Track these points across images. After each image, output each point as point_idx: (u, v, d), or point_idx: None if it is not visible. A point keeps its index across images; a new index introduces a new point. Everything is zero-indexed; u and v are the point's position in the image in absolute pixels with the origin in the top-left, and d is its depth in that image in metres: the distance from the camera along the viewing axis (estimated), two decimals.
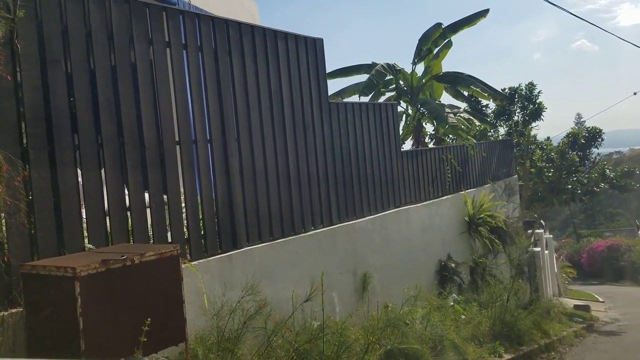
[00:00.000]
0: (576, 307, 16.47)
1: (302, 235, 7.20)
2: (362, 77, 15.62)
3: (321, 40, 7.92)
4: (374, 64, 15.31)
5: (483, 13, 14.26)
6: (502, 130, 16.77)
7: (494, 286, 9.53)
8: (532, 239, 18.93)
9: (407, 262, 9.52)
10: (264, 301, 5.73)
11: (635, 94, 21.66)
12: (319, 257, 7.37)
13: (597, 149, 15.73)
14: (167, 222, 5.41)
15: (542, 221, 24.31)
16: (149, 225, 5.21)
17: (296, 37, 7.43)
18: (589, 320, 14.02)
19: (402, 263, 9.37)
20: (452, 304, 9.46)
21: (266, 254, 6.55)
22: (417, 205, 10.21)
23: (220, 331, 5.24)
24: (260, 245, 6.54)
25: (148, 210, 5.22)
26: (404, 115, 16.29)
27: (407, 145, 14.90)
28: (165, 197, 5.40)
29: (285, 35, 7.25)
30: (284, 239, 6.87)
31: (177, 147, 5.58)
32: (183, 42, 5.76)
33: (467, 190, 12.31)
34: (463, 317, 9.26)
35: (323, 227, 7.64)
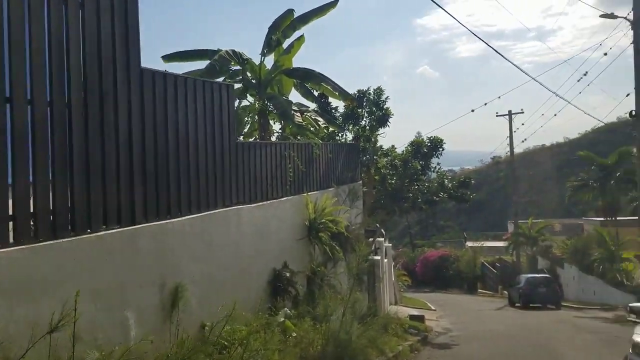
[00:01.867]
0: (411, 317, 16.42)
1: (84, 237, 5.40)
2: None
3: None
4: (220, 51, 13.77)
5: (333, 4, 13.54)
6: (350, 135, 16.31)
7: (329, 298, 8.50)
8: (373, 247, 18.81)
9: (235, 271, 8.10)
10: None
11: (473, 111, 23.06)
12: (109, 265, 5.61)
13: (438, 158, 15.94)
14: None
15: (382, 230, 24.72)
16: None
17: None
18: (423, 332, 13.87)
19: (229, 273, 7.93)
20: (282, 319, 8.24)
21: (25, 261, 4.68)
22: (252, 205, 8.86)
23: None
24: (15, 248, 4.64)
25: None
26: (250, 110, 14.99)
27: None
28: None
29: None
30: (54, 242, 5.02)
31: None
32: None
33: (310, 193, 11.30)
34: (294, 335, 8.08)
35: (119, 227, 5.90)
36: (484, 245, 52.90)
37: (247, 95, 14.94)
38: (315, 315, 8.99)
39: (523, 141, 36.19)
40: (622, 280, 23.11)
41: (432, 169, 16.14)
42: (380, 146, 16.34)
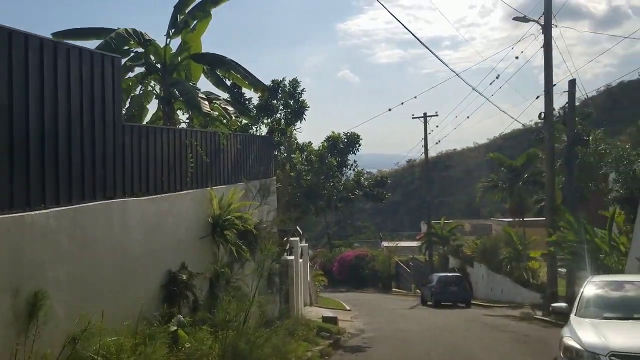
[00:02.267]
0: (325, 319, 15.83)
1: None
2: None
3: None
4: (118, 29, 12.37)
5: None
6: (265, 129, 15.42)
7: (228, 303, 7.58)
8: (287, 246, 18.04)
9: (117, 274, 6.95)
10: None
11: (390, 110, 23.03)
12: None
13: (355, 154, 15.46)
14: None
15: (298, 228, 24.03)
16: None
17: None
18: (335, 335, 13.27)
19: (110, 276, 6.78)
20: (175, 328, 7.21)
21: None
22: (143, 199, 7.73)
23: None
24: None
25: None
26: (154, 96, 13.67)
27: None
28: None
29: None
30: None
31: None
32: None
33: (215, 187, 10.28)
34: (188, 345, 7.08)
35: None
36: (399, 245, 53.95)
37: (150, 80, 13.61)
38: (216, 322, 8.02)
39: (437, 143, 36.97)
40: (529, 279, 23.95)
41: (349, 167, 15.69)
42: (296, 141, 15.62)
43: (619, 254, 15.70)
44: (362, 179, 15.86)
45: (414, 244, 49.61)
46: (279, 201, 14.77)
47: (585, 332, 5.90)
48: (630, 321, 6.21)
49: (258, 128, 15.33)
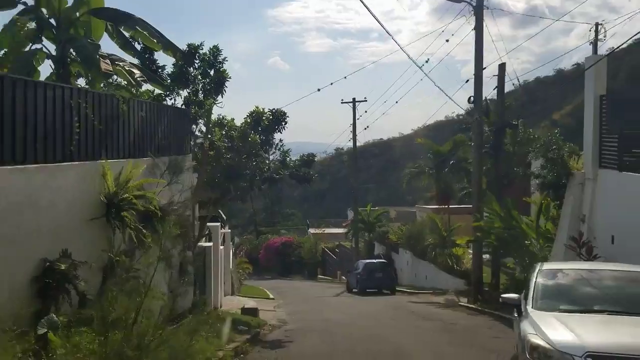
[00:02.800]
0: (244, 310, 14.59)
1: None
2: None
3: None
4: None
5: None
6: (182, 101, 13.80)
7: (114, 298, 6.18)
8: (206, 232, 16.58)
9: None
10: None
11: (319, 90, 22.11)
12: None
13: (281, 132, 14.22)
14: None
15: (222, 214, 22.52)
16: None
17: None
18: (255, 328, 12.08)
19: None
20: (44, 331, 5.72)
21: None
22: (5, 168, 6.11)
23: None
24: None
25: None
26: (46, 56, 11.71)
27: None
28: None
29: None
30: None
31: None
32: None
33: (112, 160, 8.70)
34: (61, 352, 5.63)
35: None
36: (326, 232, 53.61)
37: (43, 38, 11.64)
38: (106, 321, 6.57)
39: (365, 128, 36.37)
40: (453, 265, 23.85)
41: (274, 146, 14.47)
42: (217, 116, 14.16)
43: (545, 241, 15.59)
44: (288, 159, 14.65)
45: (341, 231, 49.32)
46: (196, 181, 13.30)
47: (552, 329, 5.09)
48: (600, 315, 5.48)
49: (173, 100, 13.72)
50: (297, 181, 14.88)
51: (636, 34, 14.32)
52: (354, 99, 37.02)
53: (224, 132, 14.01)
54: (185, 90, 13.82)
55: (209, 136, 14.12)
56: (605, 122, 13.43)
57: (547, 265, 6.68)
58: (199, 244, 14.72)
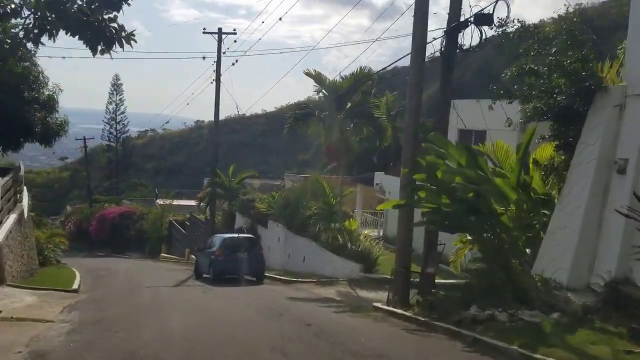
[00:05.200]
0: None
1: None
2: None
3: None
4: None
5: None
6: None
7: None
8: None
9: None
10: None
11: (204, 58, 14.04)
12: None
13: None
14: None
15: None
16: None
17: None
18: None
19: None
20: None
21: None
22: None
23: None
24: None
25: None
26: None
27: None
28: None
29: None
30: None
31: None
32: None
33: None
34: None
35: None
36: (177, 203, 44.41)
37: None
38: None
39: (234, 64, 28.15)
40: (345, 244, 17.17)
41: None
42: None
43: (532, 205, 9.32)
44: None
45: (195, 203, 40.62)
46: None
47: None
48: None
49: None
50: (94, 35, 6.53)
51: None
52: (219, 29, 28.88)
53: None
54: None
55: None
56: None
57: None
58: None
